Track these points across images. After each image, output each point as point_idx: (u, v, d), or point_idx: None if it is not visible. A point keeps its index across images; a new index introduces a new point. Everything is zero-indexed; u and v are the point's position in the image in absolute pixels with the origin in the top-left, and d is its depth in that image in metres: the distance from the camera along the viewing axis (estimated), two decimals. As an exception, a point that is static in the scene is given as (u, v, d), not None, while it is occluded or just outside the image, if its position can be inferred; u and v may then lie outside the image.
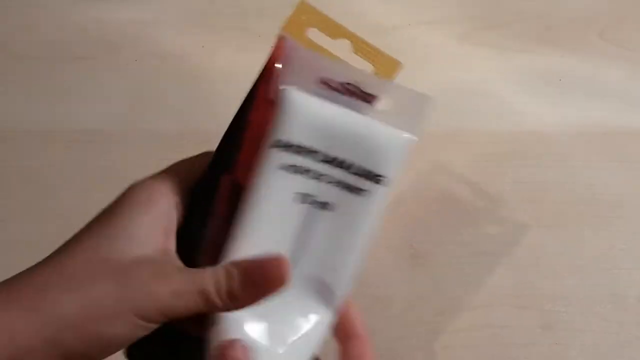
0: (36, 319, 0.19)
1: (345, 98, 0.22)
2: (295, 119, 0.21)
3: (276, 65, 0.22)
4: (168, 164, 0.39)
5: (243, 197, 0.21)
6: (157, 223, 0.22)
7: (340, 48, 0.25)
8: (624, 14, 0.45)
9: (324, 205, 0.22)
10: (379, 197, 0.22)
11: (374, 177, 0.22)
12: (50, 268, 0.20)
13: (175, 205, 0.22)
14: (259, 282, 0.20)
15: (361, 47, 0.23)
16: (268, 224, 0.21)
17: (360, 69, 0.22)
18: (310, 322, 0.22)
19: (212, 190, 0.23)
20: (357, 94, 0.22)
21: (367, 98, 0.22)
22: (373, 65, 0.23)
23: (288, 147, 0.21)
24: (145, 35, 0.43)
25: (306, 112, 0.21)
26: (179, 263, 0.21)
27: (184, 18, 0.44)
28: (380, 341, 0.34)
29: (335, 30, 0.23)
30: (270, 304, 0.20)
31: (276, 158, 0.21)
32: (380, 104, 0.22)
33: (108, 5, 0.44)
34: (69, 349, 0.19)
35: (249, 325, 0.21)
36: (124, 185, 0.38)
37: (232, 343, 0.20)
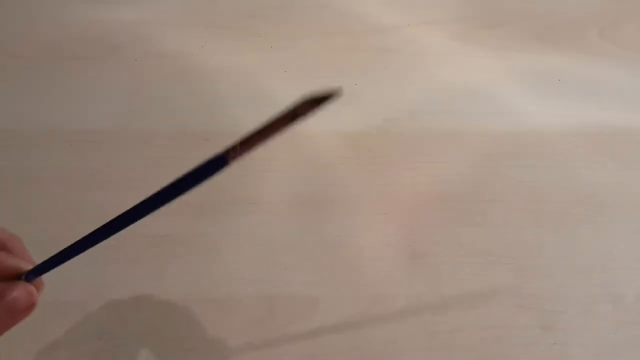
0: None
1: None
2: None
3: None
4: (167, 164, 0.39)
5: None
6: None
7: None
8: (623, 13, 0.45)
9: None
10: None
11: None
12: None
13: None
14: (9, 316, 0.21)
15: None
16: None
17: None
18: None
19: None
20: None
21: None
22: None
23: None
24: (145, 35, 0.43)
25: None
26: None
27: (184, 18, 0.44)
28: (380, 341, 0.34)
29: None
30: None
31: None
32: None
33: (108, 5, 0.44)
34: None
35: None
36: (124, 185, 0.38)
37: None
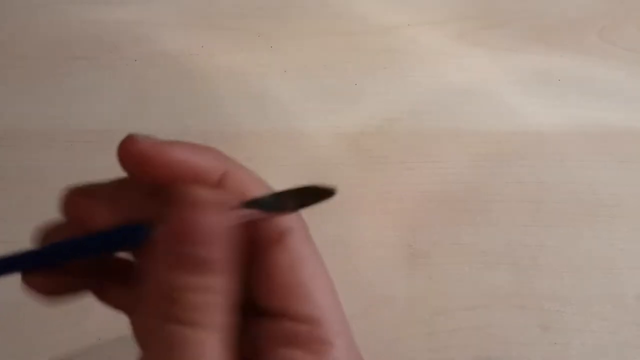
0: None
1: None
2: None
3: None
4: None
5: None
6: None
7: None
8: (623, 14, 0.45)
9: None
10: None
11: None
12: None
13: None
14: None
15: None
16: None
17: None
18: None
19: None
20: None
21: None
22: None
23: None
24: (145, 35, 0.43)
25: None
26: None
27: (184, 18, 0.44)
28: (379, 341, 0.34)
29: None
30: None
31: None
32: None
33: (108, 6, 0.44)
34: None
35: None
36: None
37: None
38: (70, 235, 0.18)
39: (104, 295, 0.20)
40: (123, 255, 0.20)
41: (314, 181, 0.18)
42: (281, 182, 0.38)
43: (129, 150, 0.18)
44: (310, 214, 0.39)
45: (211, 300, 0.16)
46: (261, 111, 0.40)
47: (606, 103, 0.41)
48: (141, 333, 0.17)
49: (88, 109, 0.40)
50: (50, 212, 0.37)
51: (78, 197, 0.18)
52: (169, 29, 0.43)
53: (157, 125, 0.40)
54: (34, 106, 0.40)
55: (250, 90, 0.41)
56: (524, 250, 0.37)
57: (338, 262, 0.36)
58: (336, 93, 0.41)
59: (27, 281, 0.19)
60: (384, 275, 0.36)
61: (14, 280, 0.21)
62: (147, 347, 0.16)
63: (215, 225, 0.16)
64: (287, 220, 0.19)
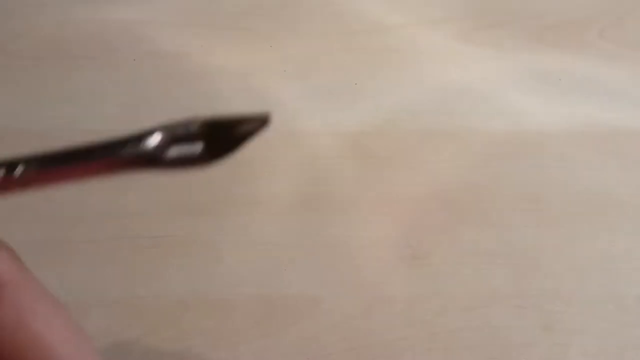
0: None
1: None
2: None
3: None
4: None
5: None
6: None
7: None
8: (624, 13, 0.45)
9: None
10: None
11: None
12: None
13: None
14: None
15: None
16: None
17: None
18: None
19: None
20: None
21: None
22: None
23: None
24: (145, 35, 0.43)
25: None
26: None
27: (184, 18, 0.44)
28: (379, 341, 0.34)
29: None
30: None
31: None
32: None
33: (108, 6, 0.44)
34: None
35: None
36: (123, 186, 0.38)
37: None
38: None
39: None
40: None
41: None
42: (281, 182, 0.38)
43: None
44: (310, 215, 0.39)
45: None
46: (261, 111, 0.40)
47: (607, 103, 0.41)
48: None
49: (87, 109, 0.40)
50: (50, 212, 0.37)
51: None
52: (168, 28, 0.43)
53: (156, 125, 0.40)
54: (34, 106, 0.40)
55: (250, 90, 0.41)
56: (524, 251, 0.37)
57: (338, 262, 0.36)
58: (336, 93, 0.41)
59: None
60: (384, 275, 0.36)
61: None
62: None
63: None
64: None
